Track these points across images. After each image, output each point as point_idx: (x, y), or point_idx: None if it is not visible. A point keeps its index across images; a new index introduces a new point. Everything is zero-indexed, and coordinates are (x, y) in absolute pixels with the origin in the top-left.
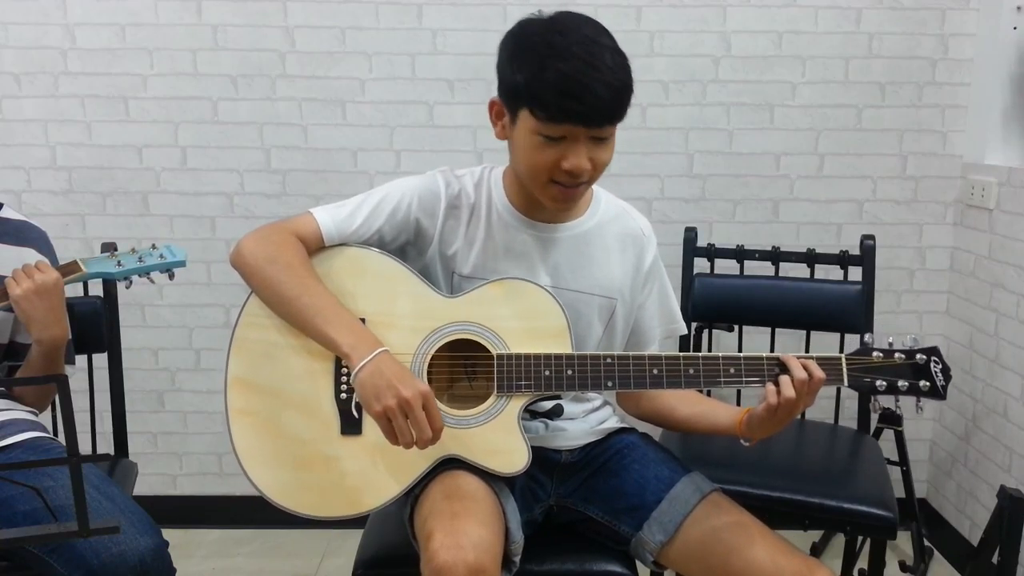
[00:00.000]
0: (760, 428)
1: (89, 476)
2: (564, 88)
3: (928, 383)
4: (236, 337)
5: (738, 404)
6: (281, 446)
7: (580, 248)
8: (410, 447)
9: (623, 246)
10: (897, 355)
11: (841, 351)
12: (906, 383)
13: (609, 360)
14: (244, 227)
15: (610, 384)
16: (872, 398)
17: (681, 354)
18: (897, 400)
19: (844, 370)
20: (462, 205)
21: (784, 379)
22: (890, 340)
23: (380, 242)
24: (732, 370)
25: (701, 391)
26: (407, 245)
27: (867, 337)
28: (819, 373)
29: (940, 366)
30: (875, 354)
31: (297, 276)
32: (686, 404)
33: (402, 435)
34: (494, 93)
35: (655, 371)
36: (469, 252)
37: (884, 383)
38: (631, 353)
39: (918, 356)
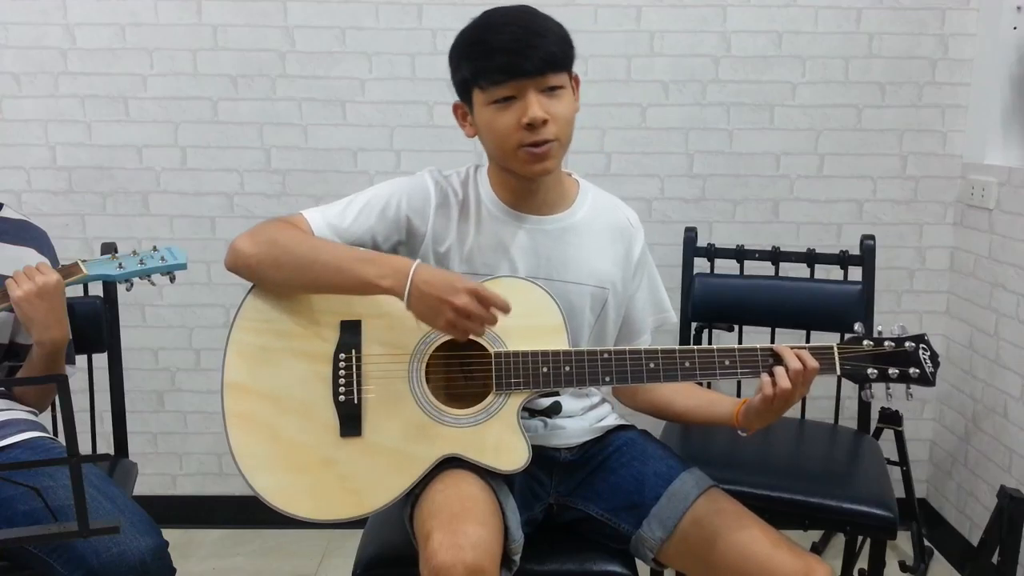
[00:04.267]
0: (757, 419)
1: (89, 476)
2: (496, 48)
3: (917, 370)
4: (232, 340)
5: (738, 395)
6: (280, 449)
7: (570, 239)
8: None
9: (612, 237)
10: (887, 343)
11: (837, 342)
12: (896, 370)
13: (606, 355)
14: (244, 227)
15: (608, 379)
16: (864, 386)
17: (677, 347)
18: (888, 388)
19: (836, 359)
20: (451, 203)
21: (779, 370)
22: (879, 328)
23: (373, 243)
24: (727, 362)
25: (699, 384)
26: (399, 245)
27: (857, 326)
28: (812, 363)
29: (928, 352)
30: (865, 343)
31: (303, 242)
32: (683, 396)
33: (475, 331)
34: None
35: (651, 365)
36: (461, 248)
37: (875, 371)
38: (628, 348)
39: (907, 343)
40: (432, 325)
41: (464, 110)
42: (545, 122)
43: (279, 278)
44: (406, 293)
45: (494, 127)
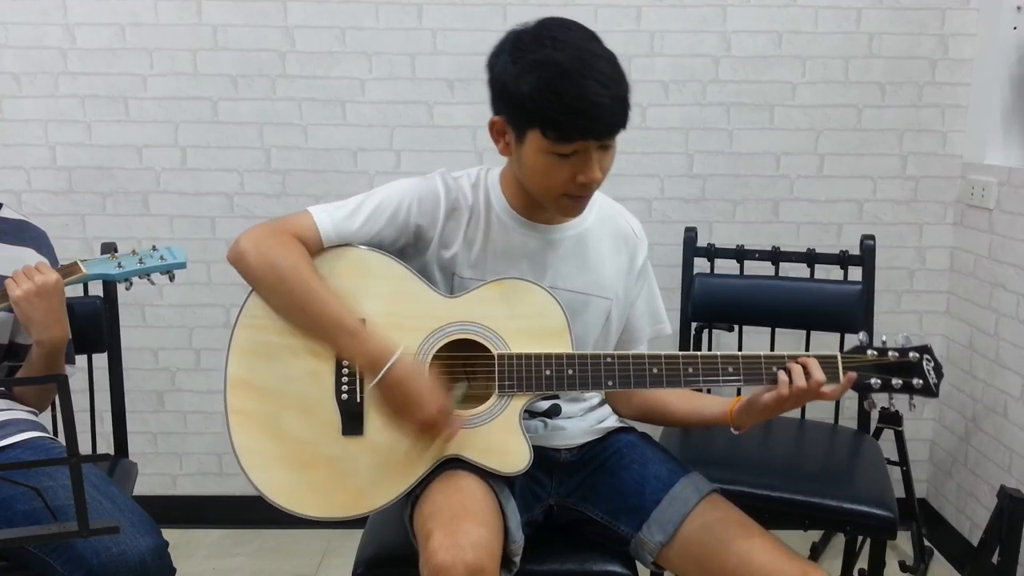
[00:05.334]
0: (759, 415)
1: (89, 476)
2: (574, 107)
3: (921, 381)
4: (235, 337)
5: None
6: (282, 447)
7: (577, 249)
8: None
9: (617, 246)
10: (891, 353)
11: (840, 351)
12: (900, 381)
13: (609, 359)
14: (244, 227)
15: (610, 383)
16: (867, 395)
17: (680, 353)
18: (891, 398)
19: (840, 368)
20: (461, 207)
21: (796, 369)
22: (883, 338)
23: (380, 245)
24: (731, 369)
25: (700, 390)
26: (407, 247)
27: (861, 335)
28: (821, 375)
29: (932, 364)
30: (869, 352)
31: (302, 282)
32: (676, 398)
33: (418, 443)
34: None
35: (655, 370)
36: (468, 254)
37: (879, 381)
38: (631, 352)
39: (911, 354)
40: (388, 416)
41: (504, 128)
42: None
43: (268, 300)
44: (375, 382)
45: (547, 175)
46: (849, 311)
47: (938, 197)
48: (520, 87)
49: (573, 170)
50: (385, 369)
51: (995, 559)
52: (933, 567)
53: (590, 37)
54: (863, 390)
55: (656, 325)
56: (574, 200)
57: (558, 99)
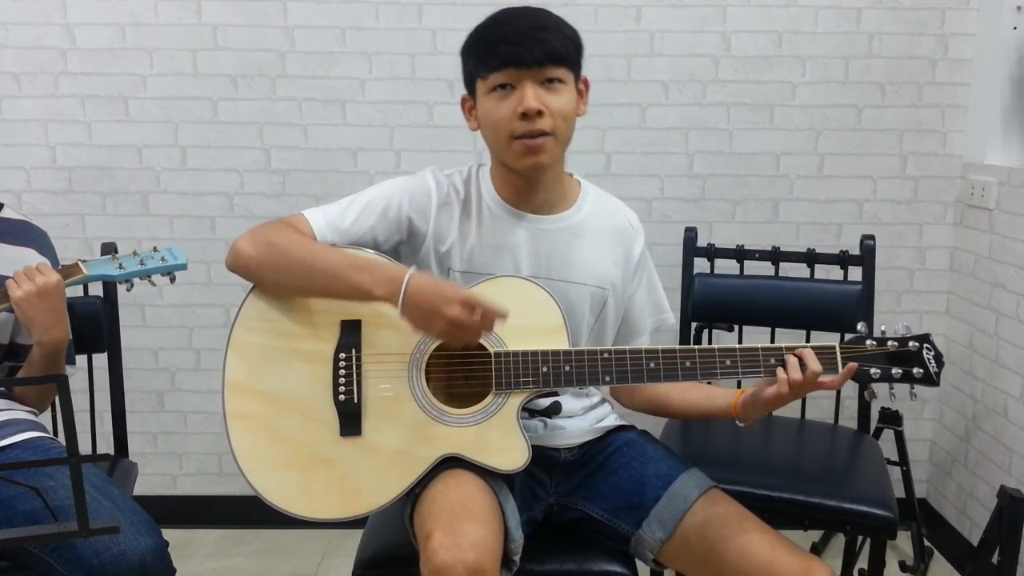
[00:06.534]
0: (762, 408)
1: (89, 476)
2: (500, 39)
3: (921, 370)
4: (232, 340)
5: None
6: (280, 449)
7: (570, 239)
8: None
9: (613, 238)
10: (890, 343)
11: (839, 341)
12: (900, 370)
13: (606, 355)
14: (244, 227)
15: (608, 379)
16: (867, 385)
17: (677, 347)
18: (891, 388)
19: (839, 359)
20: (453, 201)
21: (792, 361)
22: (882, 328)
23: (374, 243)
24: (728, 362)
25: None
26: (400, 245)
27: (860, 326)
28: (817, 366)
29: (932, 352)
30: (869, 342)
31: (301, 247)
32: (680, 391)
33: (469, 341)
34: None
35: (652, 364)
36: (463, 247)
37: (878, 371)
38: (628, 347)
39: (911, 343)
40: (426, 333)
41: (470, 103)
42: (540, 113)
43: (277, 280)
44: (400, 302)
45: (491, 116)
46: (849, 311)
47: (938, 197)
48: (466, 49)
49: (512, 104)
50: (405, 283)
51: (995, 559)
52: (933, 567)
53: (542, 10)
54: (863, 380)
55: (659, 315)
56: (526, 144)
57: (481, 35)
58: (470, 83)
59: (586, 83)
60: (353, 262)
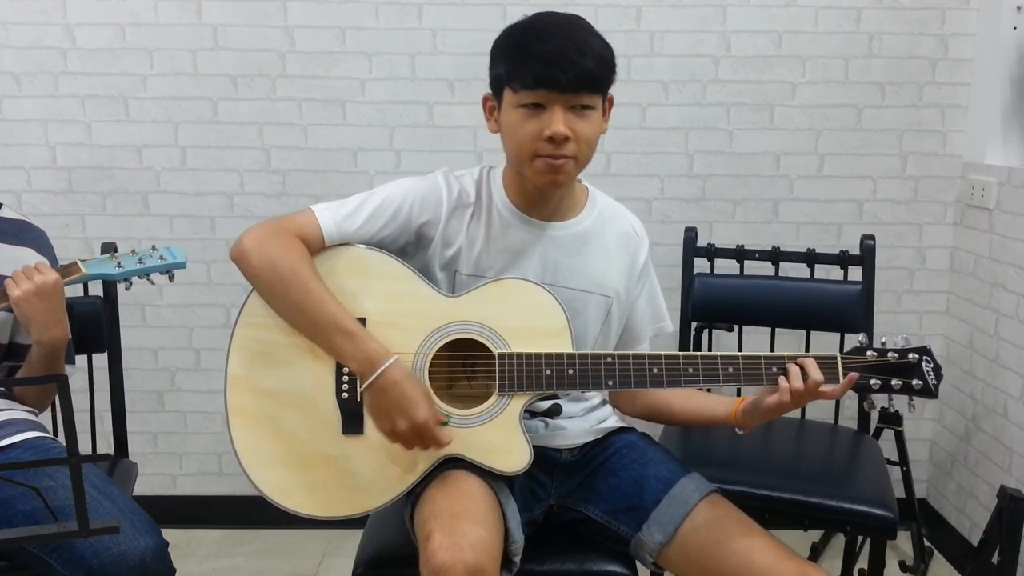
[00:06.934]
0: (763, 416)
1: (89, 476)
2: (538, 57)
3: (920, 382)
4: (236, 336)
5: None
6: (282, 446)
7: (578, 246)
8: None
9: (618, 245)
10: (890, 354)
11: (840, 352)
12: (899, 382)
13: (610, 359)
14: (244, 227)
15: (611, 383)
16: (866, 396)
17: (680, 353)
18: (891, 399)
19: (840, 369)
20: (464, 205)
21: (794, 370)
22: (883, 340)
23: (381, 244)
24: (731, 369)
25: (701, 390)
26: (407, 245)
27: (861, 337)
28: (819, 375)
29: (932, 365)
30: (869, 353)
31: (301, 282)
32: (681, 398)
33: (421, 446)
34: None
35: (655, 370)
36: (470, 251)
37: (878, 382)
38: (631, 352)
39: (910, 355)
40: (375, 422)
41: (493, 104)
42: (567, 139)
43: (267, 299)
44: (369, 383)
45: (517, 130)
46: (849, 311)
47: (938, 197)
48: (499, 57)
49: (540, 125)
50: (383, 368)
51: (995, 559)
52: (933, 567)
53: (578, 19)
54: (863, 391)
55: (658, 323)
56: (547, 163)
57: (520, 47)
58: (497, 86)
59: (611, 101)
60: (340, 325)
